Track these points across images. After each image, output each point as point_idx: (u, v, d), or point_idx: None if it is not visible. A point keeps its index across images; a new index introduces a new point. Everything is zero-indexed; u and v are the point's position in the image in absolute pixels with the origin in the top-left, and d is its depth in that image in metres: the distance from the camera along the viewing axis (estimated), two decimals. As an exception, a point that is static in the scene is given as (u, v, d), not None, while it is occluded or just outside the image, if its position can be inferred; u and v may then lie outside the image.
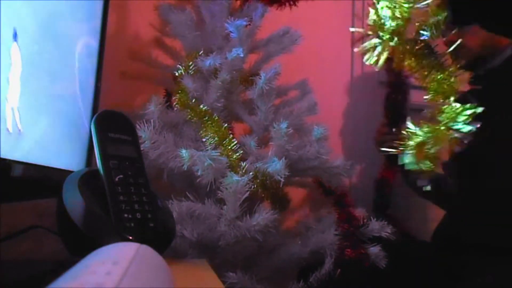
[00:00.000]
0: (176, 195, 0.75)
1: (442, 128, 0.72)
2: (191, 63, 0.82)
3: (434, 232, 1.06)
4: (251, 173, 0.74)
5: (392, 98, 1.17)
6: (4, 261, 0.51)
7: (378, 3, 0.73)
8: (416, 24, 0.72)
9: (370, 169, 1.33)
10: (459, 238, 0.95)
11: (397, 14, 0.71)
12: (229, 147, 0.76)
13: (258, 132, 0.85)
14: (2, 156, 0.43)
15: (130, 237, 0.42)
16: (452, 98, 0.73)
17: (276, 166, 0.74)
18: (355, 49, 0.78)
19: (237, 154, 0.76)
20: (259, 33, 0.93)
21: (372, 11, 0.74)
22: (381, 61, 0.74)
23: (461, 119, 0.72)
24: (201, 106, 0.80)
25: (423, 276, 0.93)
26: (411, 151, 0.73)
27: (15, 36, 0.45)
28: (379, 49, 0.74)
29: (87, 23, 0.69)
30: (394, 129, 1.09)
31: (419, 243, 1.11)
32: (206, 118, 0.78)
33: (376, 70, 1.01)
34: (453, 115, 0.72)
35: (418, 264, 0.96)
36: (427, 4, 0.70)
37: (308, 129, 0.87)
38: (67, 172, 0.49)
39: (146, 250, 0.30)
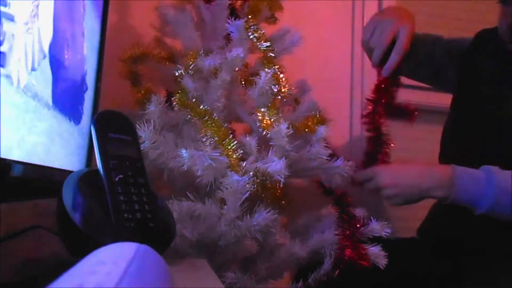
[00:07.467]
0: (176, 195, 0.75)
1: None
2: (191, 63, 0.82)
3: (426, 230, 1.04)
4: (251, 173, 0.74)
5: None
6: (4, 261, 0.51)
7: None
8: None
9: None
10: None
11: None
12: (229, 147, 0.76)
13: (258, 132, 0.84)
14: (2, 156, 0.43)
15: (130, 237, 0.42)
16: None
17: (276, 166, 0.74)
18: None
19: (237, 154, 0.76)
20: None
21: None
22: None
23: None
24: (201, 106, 0.80)
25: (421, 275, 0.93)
26: None
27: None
28: None
29: (86, 21, 0.69)
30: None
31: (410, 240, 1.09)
32: (206, 118, 0.78)
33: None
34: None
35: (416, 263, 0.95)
36: None
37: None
38: (67, 172, 0.49)
39: (146, 250, 0.30)
